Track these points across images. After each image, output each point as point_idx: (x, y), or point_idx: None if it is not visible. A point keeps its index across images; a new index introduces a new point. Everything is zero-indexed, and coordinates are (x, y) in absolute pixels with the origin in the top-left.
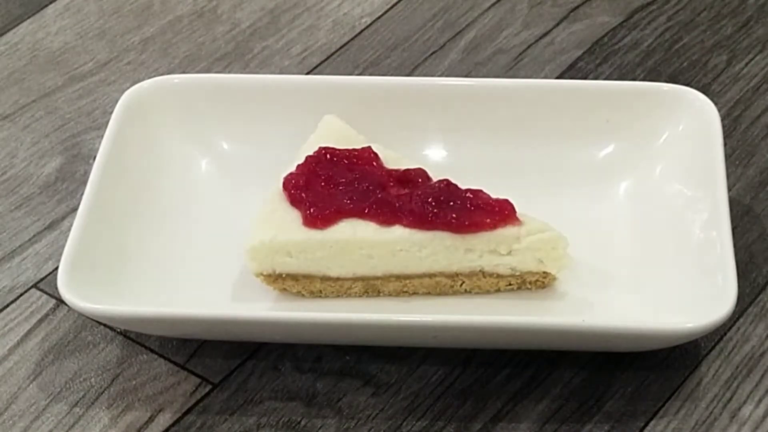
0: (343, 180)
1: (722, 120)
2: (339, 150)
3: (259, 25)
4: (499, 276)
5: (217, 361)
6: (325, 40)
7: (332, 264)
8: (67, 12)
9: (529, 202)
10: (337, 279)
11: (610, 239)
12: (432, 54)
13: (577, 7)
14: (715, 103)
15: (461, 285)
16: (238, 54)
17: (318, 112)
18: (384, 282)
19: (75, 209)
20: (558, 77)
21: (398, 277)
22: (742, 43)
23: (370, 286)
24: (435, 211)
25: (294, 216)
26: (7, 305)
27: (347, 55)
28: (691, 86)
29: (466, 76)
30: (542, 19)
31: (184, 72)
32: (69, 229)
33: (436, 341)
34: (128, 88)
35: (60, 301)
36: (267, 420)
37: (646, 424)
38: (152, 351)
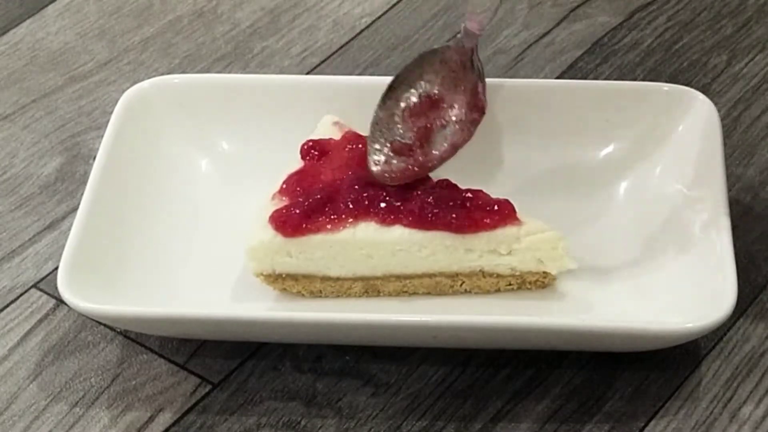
0: (344, 180)
1: (722, 120)
2: (337, 143)
3: (259, 25)
4: (499, 276)
5: (217, 361)
6: (325, 40)
7: (332, 264)
8: (67, 12)
9: (529, 202)
10: (337, 279)
11: (610, 239)
12: None
13: (577, 7)
14: (715, 103)
15: (461, 285)
16: (238, 54)
17: (318, 112)
18: (384, 282)
19: (75, 209)
20: (558, 77)
21: (398, 277)
22: (742, 43)
23: (370, 286)
24: (435, 211)
25: None
26: (7, 305)
27: (347, 55)
28: (691, 86)
29: None
30: (542, 19)
31: (184, 72)
32: (69, 229)
33: (436, 341)
34: (128, 88)
35: (60, 301)
36: (267, 420)
37: (646, 424)
38: (152, 351)
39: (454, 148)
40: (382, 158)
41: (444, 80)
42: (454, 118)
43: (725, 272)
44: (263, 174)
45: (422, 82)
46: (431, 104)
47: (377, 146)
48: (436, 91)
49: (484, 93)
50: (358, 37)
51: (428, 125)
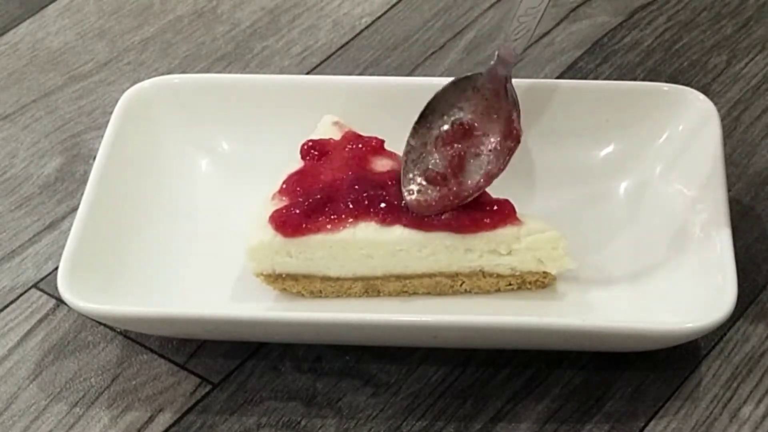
0: (344, 180)
1: (722, 120)
2: (337, 143)
3: (259, 25)
4: (499, 276)
5: (217, 361)
6: (325, 40)
7: (332, 264)
8: (67, 12)
9: (529, 202)
10: (337, 279)
11: (610, 239)
12: (432, 54)
13: (577, 7)
14: (715, 103)
15: (461, 285)
16: (238, 54)
17: (318, 112)
18: (384, 282)
19: (75, 209)
20: (558, 77)
21: (398, 277)
22: (742, 43)
23: (370, 286)
24: None
25: None
26: (7, 305)
27: (347, 55)
28: (691, 86)
29: None
30: (542, 19)
31: (184, 72)
32: (69, 229)
33: (436, 341)
34: (128, 88)
35: (60, 301)
36: (267, 420)
37: (646, 424)
38: (152, 351)
39: (490, 178)
40: (416, 188)
41: (477, 108)
42: (488, 147)
43: (725, 272)
44: (263, 174)
45: (455, 110)
46: (464, 133)
47: (410, 176)
48: (469, 119)
49: (518, 121)
50: (358, 37)
51: (461, 154)
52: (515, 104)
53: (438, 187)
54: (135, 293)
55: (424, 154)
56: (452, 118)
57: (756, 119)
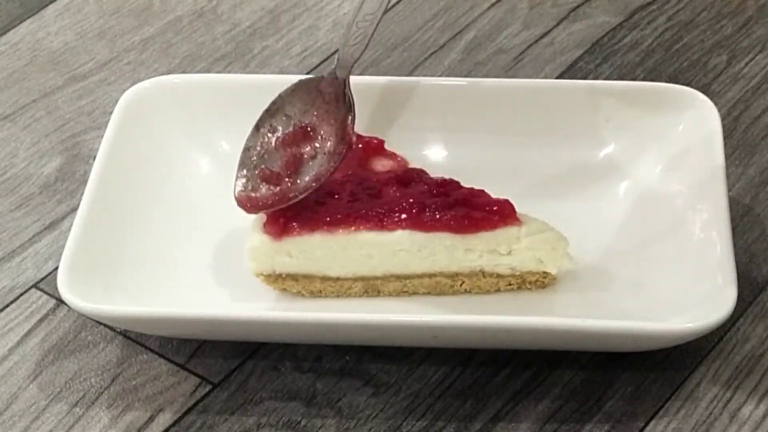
0: (344, 180)
1: (722, 120)
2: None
3: (259, 25)
4: (499, 276)
5: (217, 361)
6: (325, 40)
7: (332, 264)
8: (67, 12)
9: (529, 202)
10: (337, 279)
11: (610, 239)
12: (432, 54)
13: (577, 7)
14: (715, 103)
15: (461, 285)
16: (238, 54)
17: None
18: (384, 282)
19: (75, 209)
20: (558, 77)
21: (398, 277)
22: (742, 43)
23: (370, 286)
24: (435, 211)
25: None
26: (7, 305)
27: None
28: (691, 86)
29: (466, 76)
30: (542, 19)
31: (184, 72)
32: (69, 229)
33: (437, 341)
34: (128, 88)
35: (60, 301)
36: (267, 420)
37: (646, 424)
38: (152, 351)
39: (318, 180)
40: (249, 185)
41: (318, 111)
42: (323, 150)
43: (725, 272)
44: None
45: (296, 111)
46: (304, 134)
47: (245, 172)
48: (308, 121)
49: (353, 126)
50: None
51: (298, 155)
52: (351, 109)
53: (270, 186)
54: (135, 293)
55: (262, 152)
56: (294, 120)
57: (756, 119)
